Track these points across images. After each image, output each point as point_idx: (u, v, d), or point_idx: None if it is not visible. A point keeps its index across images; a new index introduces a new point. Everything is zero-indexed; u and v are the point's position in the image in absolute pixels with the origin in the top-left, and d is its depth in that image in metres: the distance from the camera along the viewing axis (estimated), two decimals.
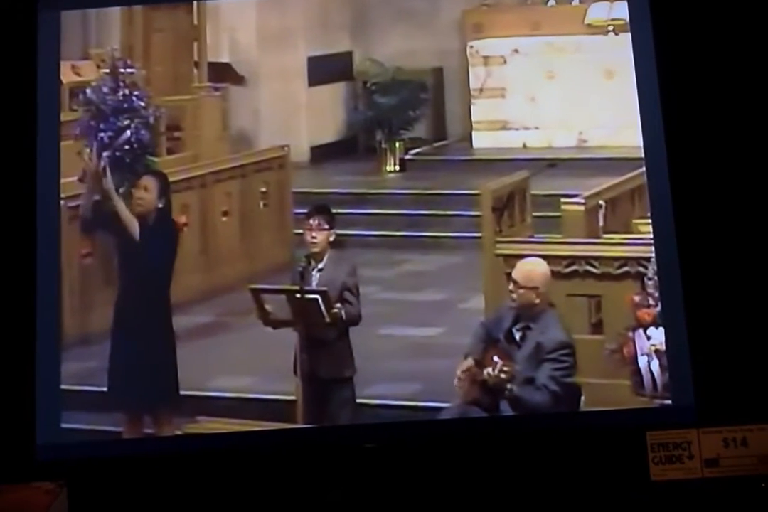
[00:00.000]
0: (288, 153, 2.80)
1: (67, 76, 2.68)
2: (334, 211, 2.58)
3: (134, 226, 2.54)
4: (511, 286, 2.44)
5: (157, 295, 2.50)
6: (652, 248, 2.47)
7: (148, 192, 2.56)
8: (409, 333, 2.57)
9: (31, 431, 2.36)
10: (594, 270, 2.55)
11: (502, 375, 2.37)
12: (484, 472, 2.36)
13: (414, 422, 2.44)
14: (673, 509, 2.26)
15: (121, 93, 2.69)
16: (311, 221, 2.56)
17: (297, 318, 2.50)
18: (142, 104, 2.70)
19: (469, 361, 2.40)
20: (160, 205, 2.56)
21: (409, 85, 2.95)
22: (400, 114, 2.97)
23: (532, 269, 2.46)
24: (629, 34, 2.60)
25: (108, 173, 2.58)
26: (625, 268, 2.52)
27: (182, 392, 2.46)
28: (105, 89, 2.69)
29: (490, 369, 2.38)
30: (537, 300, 2.43)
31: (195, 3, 2.92)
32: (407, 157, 2.99)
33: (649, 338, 2.44)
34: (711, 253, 2.46)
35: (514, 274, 2.45)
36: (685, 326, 2.40)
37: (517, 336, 2.43)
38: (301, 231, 2.58)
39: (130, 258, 2.54)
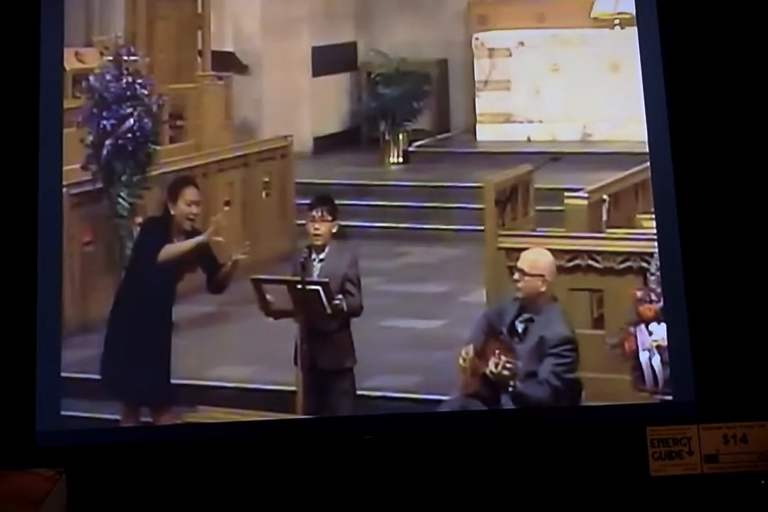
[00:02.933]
0: (291, 143, 2.79)
1: (70, 63, 2.66)
2: (336, 202, 2.57)
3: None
4: (516, 275, 2.44)
5: (167, 289, 2.49)
6: (655, 243, 2.47)
7: (198, 206, 2.55)
8: (410, 325, 2.56)
9: (31, 418, 2.36)
10: (596, 264, 2.54)
11: (505, 372, 2.37)
12: (484, 465, 2.37)
13: (414, 414, 2.43)
14: (673, 505, 2.27)
15: (124, 80, 2.68)
16: (314, 212, 2.55)
17: (298, 309, 2.49)
18: (145, 92, 2.69)
19: (470, 347, 2.39)
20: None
21: (413, 76, 2.93)
22: (404, 105, 2.96)
23: (537, 257, 2.46)
24: (635, 28, 2.59)
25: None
26: (628, 263, 2.52)
27: (183, 381, 2.46)
28: (108, 77, 2.67)
29: (492, 366, 2.38)
30: (543, 288, 2.42)
31: None
32: (410, 148, 2.97)
33: (650, 333, 2.44)
34: (714, 249, 2.46)
35: (520, 263, 2.45)
36: (686, 322, 2.39)
37: (520, 328, 2.43)
38: (303, 221, 2.57)
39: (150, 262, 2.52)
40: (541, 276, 2.43)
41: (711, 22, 2.55)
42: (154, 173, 2.63)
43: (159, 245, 2.53)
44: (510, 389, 2.36)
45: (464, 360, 2.39)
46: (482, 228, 2.62)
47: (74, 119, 2.61)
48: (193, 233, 2.55)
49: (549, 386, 2.37)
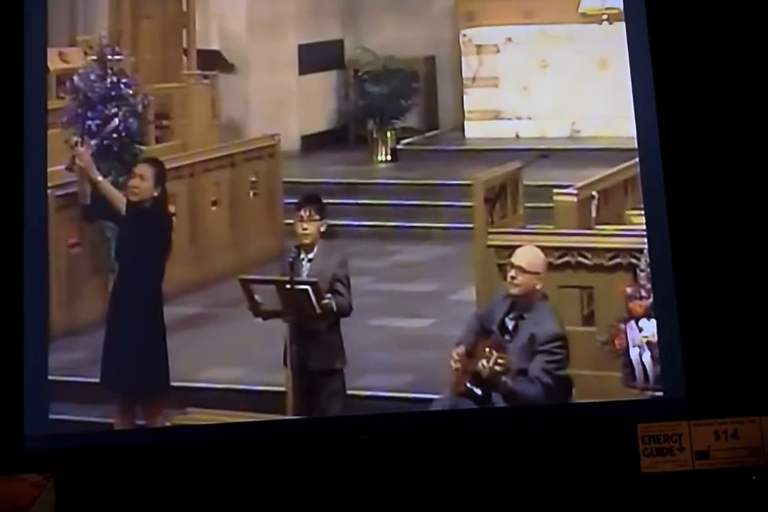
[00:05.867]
0: (278, 142, 2.78)
1: (54, 63, 2.64)
2: (324, 201, 2.56)
3: (121, 202, 2.51)
4: (512, 273, 2.43)
5: (151, 285, 2.48)
6: (645, 240, 2.46)
7: (144, 180, 2.53)
8: (399, 324, 2.56)
9: (18, 422, 2.34)
10: (586, 261, 2.54)
11: (498, 368, 2.36)
12: (476, 464, 2.36)
13: (405, 413, 2.43)
14: (664, 501, 2.27)
15: (108, 80, 2.66)
16: (302, 212, 2.54)
17: (287, 309, 2.48)
18: (131, 92, 2.67)
19: (461, 349, 2.39)
20: (156, 194, 2.53)
21: (400, 74, 2.92)
22: (392, 103, 2.95)
23: (534, 255, 2.46)
24: (623, 23, 2.58)
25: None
26: (618, 260, 2.51)
27: (172, 383, 2.44)
28: (92, 76, 2.66)
29: (484, 361, 2.38)
30: (539, 286, 2.42)
31: None
32: (399, 146, 2.96)
33: (641, 330, 2.43)
34: (704, 245, 2.45)
35: (517, 261, 2.44)
36: (677, 318, 2.39)
37: (510, 325, 2.42)
38: (291, 221, 2.56)
39: (125, 247, 2.52)
40: (538, 273, 2.43)
41: (699, 16, 2.54)
42: None
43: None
44: (501, 386, 2.36)
45: (455, 361, 2.38)
46: (471, 225, 2.61)
47: (59, 120, 2.59)
48: (138, 205, 2.51)
49: (540, 383, 2.36)
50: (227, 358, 2.49)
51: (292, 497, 2.35)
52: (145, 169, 2.54)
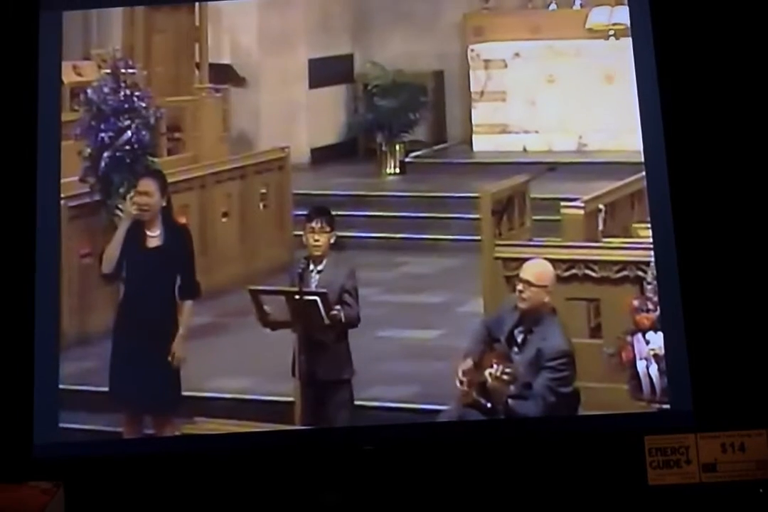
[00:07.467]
0: (288, 154, 2.81)
1: (68, 76, 2.68)
2: (333, 213, 2.58)
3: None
4: (520, 287, 2.43)
5: (162, 294, 2.49)
6: (652, 253, 2.47)
7: (150, 196, 2.55)
8: (407, 335, 2.57)
9: (28, 430, 2.36)
10: (593, 274, 2.55)
11: (505, 377, 2.36)
12: (482, 475, 2.36)
13: (412, 424, 2.43)
14: None
15: (122, 93, 2.69)
16: (313, 224, 2.55)
17: (296, 320, 2.49)
18: (143, 105, 2.70)
19: (469, 362, 2.40)
20: (164, 204, 2.56)
21: (409, 87, 2.95)
22: (401, 117, 2.97)
23: (543, 269, 2.47)
24: (630, 39, 2.60)
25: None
26: (624, 272, 2.52)
27: (181, 393, 2.46)
28: (106, 89, 2.69)
29: (492, 369, 2.38)
30: (547, 299, 2.43)
31: (196, 4, 2.92)
32: (407, 159, 2.99)
33: (648, 342, 2.44)
34: (710, 258, 2.46)
35: (526, 275, 2.44)
36: (683, 331, 2.40)
37: (519, 338, 2.42)
38: (300, 232, 2.58)
39: (140, 260, 2.53)
40: (545, 287, 2.44)
41: (705, 32, 2.56)
42: None
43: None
44: (505, 404, 2.36)
45: (461, 382, 2.38)
46: (479, 238, 2.62)
47: (72, 132, 2.63)
48: (149, 222, 2.52)
49: (543, 402, 2.36)
50: (236, 368, 2.50)
51: (298, 507, 2.35)
52: (148, 185, 2.56)
